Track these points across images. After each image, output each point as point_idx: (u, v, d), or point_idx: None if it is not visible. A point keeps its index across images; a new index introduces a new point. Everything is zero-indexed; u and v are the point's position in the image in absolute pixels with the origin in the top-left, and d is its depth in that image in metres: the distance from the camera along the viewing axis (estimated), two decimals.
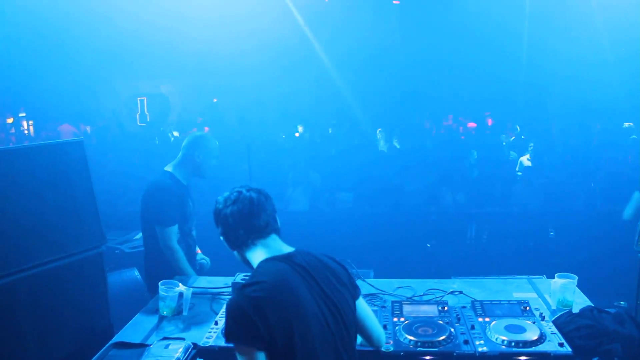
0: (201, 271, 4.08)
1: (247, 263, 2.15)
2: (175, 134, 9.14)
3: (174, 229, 3.74)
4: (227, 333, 1.89)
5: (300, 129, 8.39)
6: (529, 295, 3.16)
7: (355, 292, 2.17)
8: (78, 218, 2.92)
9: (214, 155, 3.92)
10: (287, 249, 2.12)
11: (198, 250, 4.23)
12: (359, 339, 2.26)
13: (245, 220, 2.08)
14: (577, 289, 3.21)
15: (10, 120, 9.01)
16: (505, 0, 6.59)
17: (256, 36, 8.27)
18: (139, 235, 5.30)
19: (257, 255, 2.09)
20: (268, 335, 1.85)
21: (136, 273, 4.50)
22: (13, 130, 8.91)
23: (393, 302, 2.93)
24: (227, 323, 1.89)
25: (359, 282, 3.24)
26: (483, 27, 6.53)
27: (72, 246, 2.88)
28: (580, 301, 3.07)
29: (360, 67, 7.47)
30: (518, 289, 3.27)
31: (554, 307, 3.01)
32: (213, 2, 8.37)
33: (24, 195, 2.71)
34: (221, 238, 2.18)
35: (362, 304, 2.21)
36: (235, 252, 2.19)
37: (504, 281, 3.37)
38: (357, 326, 2.17)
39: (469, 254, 5.60)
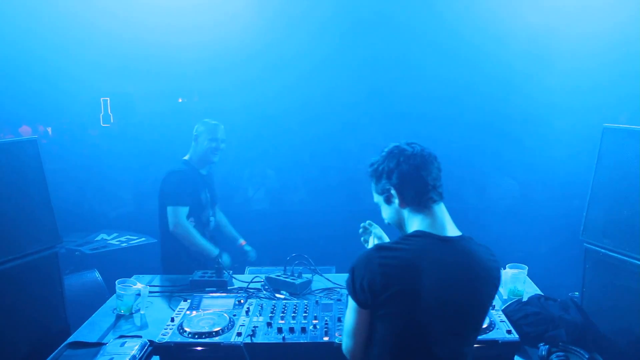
0: (246, 262, 4.25)
1: (401, 224, 1.96)
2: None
3: (184, 210, 3.84)
4: (349, 286, 1.86)
5: None
6: None
7: (491, 301, 1.97)
8: (32, 218, 2.90)
9: (213, 136, 3.98)
10: (453, 231, 1.88)
11: (242, 242, 4.40)
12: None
13: (423, 178, 1.87)
14: (528, 279, 3.32)
15: None
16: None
17: (220, 34, 8.21)
18: (100, 237, 5.27)
19: (416, 222, 1.89)
20: (368, 297, 1.78)
21: (97, 274, 4.46)
22: None
23: (347, 294, 2.97)
24: (348, 273, 1.85)
25: (316, 278, 3.32)
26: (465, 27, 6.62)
27: (26, 246, 2.86)
28: (530, 291, 3.19)
29: (325, 64, 7.46)
30: None
31: (505, 297, 3.11)
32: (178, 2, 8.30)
33: None
34: (382, 197, 1.97)
35: None
36: (391, 212, 1.97)
37: None
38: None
39: None
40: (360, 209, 6.48)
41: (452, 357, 1.85)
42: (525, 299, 2.97)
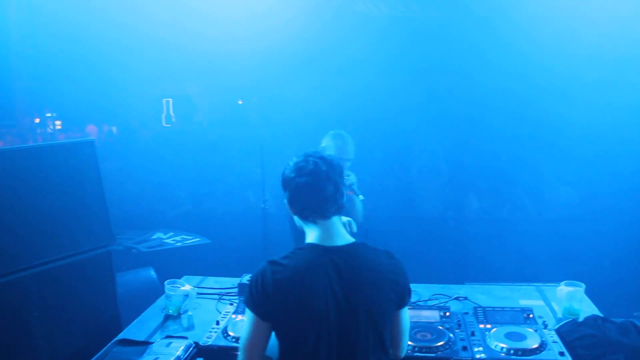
0: None
1: (302, 232, 2.12)
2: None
3: None
4: (245, 297, 2.00)
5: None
6: (536, 303, 3.12)
7: (402, 301, 2.09)
8: (87, 217, 3.00)
9: (334, 151, 3.71)
10: (341, 240, 2.02)
11: None
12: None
13: (311, 195, 2.02)
14: (585, 297, 3.16)
15: (37, 121, 9.22)
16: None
17: (279, 35, 8.27)
18: (156, 235, 5.41)
19: (310, 235, 2.06)
20: (266, 309, 1.93)
21: (152, 272, 4.57)
22: (39, 131, 9.12)
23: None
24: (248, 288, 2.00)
25: None
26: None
27: (80, 244, 2.96)
28: (588, 310, 3.02)
29: (380, 67, 7.41)
30: (525, 296, 3.23)
31: (559, 316, 2.97)
32: (237, 2, 8.42)
33: (34, 193, 2.80)
34: (285, 201, 2.12)
35: (403, 314, 2.13)
36: (295, 217, 2.14)
37: (511, 288, 3.34)
38: (391, 334, 2.09)
39: (487, 260, 5.53)
40: (415, 215, 6.46)
41: None
42: (581, 318, 2.83)
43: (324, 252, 1.97)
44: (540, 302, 3.14)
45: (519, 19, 6.30)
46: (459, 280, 3.73)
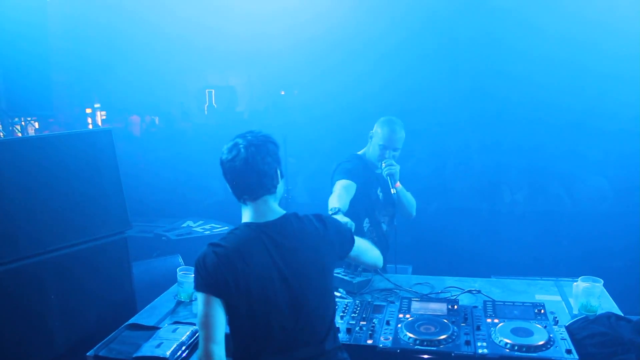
0: None
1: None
2: None
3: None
4: (194, 282, 2.08)
5: None
6: (552, 298, 3.03)
7: (343, 250, 2.32)
8: (104, 204, 3.08)
9: (384, 143, 3.52)
10: (272, 214, 2.14)
11: None
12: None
13: (236, 179, 2.11)
14: (606, 294, 3.05)
15: (89, 111, 9.57)
16: None
17: (321, 30, 8.29)
18: (186, 223, 5.51)
19: (244, 215, 2.17)
20: (216, 286, 2.00)
21: (180, 260, 4.66)
22: (90, 120, 9.46)
23: (402, 298, 2.89)
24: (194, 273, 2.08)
25: (377, 277, 3.24)
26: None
27: (97, 230, 3.04)
28: (607, 307, 2.91)
29: (416, 61, 7.33)
30: (542, 291, 3.14)
31: (575, 312, 2.88)
32: None
33: (53, 180, 2.89)
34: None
35: (355, 250, 2.37)
36: None
37: (528, 282, 3.25)
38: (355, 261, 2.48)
39: (520, 253, 5.41)
40: (446, 207, 6.37)
41: (307, 330, 2.12)
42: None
43: (258, 228, 2.10)
44: (557, 298, 3.05)
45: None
46: (487, 273, 3.66)
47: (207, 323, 1.99)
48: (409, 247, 5.20)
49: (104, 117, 9.80)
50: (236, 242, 2.06)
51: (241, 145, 2.08)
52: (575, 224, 5.81)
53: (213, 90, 11.20)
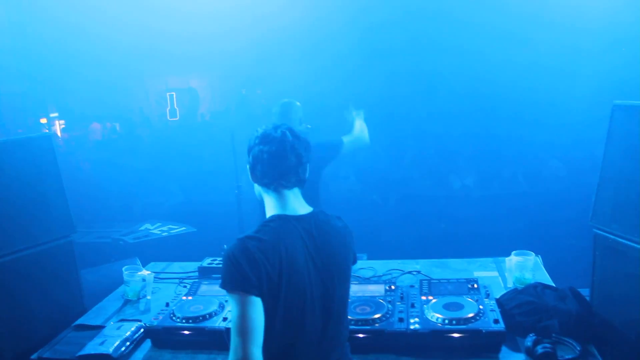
0: None
1: (261, 202, 2.14)
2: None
3: None
4: (222, 280, 1.87)
5: None
6: (490, 274, 3.16)
7: (354, 260, 2.24)
8: (47, 209, 3.07)
9: (280, 118, 3.93)
10: (304, 209, 2.08)
11: None
12: None
13: (275, 160, 2.02)
14: (542, 268, 3.19)
15: (44, 121, 9.44)
16: None
17: (279, 22, 8.34)
18: (144, 226, 5.54)
19: (273, 207, 2.06)
20: (258, 284, 1.83)
21: (138, 262, 4.69)
22: (46, 130, 9.34)
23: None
24: (222, 270, 1.89)
25: None
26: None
27: (41, 235, 3.04)
28: (541, 279, 3.03)
29: (375, 56, 7.46)
30: (481, 268, 3.27)
31: (510, 285, 3.00)
32: None
33: None
34: (247, 166, 2.11)
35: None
36: (255, 185, 2.15)
37: (468, 261, 3.37)
38: None
39: (471, 236, 5.54)
40: (405, 196, 6.49)
41: (333, 327, 2.05)
42: None
43: (294, 221, 2.01)
44: (494, 274, 3.18)
45: None
46: (443, 256, 3.75)
47: (247, 327, 1.79)
48: (367, 236, 5.31)
49: (63, 126, 9.70)
50: (275, 234, 1.94)
51: (284, 131, 2.02)
52: (531, 205, 5.97)
53: (174, 93, 11.17)
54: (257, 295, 1.82)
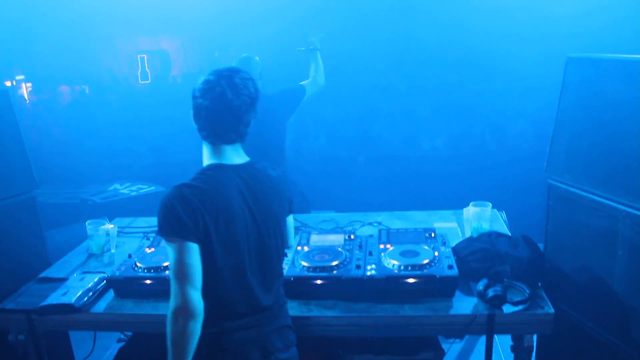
0: None
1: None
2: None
3: None
4: (159, 227, 1.89)
5: None
6: (449, 225, 3.23)
7: (290, 208, 2.29)
8: (7, 165, 3.05)
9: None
10: (240, 159, 2.08)
11: None
12: None
13: (211, 121, 1.99)
14: (498, 217, 3.27)
15: (8, 84, 9.20)
16: None
17: None
18: (113, 187, 5.53)
19: (208, 154, 2.06)
20: (195, 230, 1.86)
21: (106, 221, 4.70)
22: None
23: (302, 232, 3.02)
24: (158, 217, 1.89)
25: None
26: None
27: (2, 191, 3.03)
28: (498, 229, 3.10)
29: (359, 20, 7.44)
30: (441, 219, 3.35)
31: (467, 235, 3.07)
32: None
33: None
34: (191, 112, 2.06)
35: (289, 217, 2.32)
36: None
37: (429, 213, 3.44)
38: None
39: (430, 192, 5.64)
40: (375, 155, 6.55)
41: (269, 266, 2.11)
42: None
43: (231, 170, 2.02)
44: (454, 224, 3.25)
45: None
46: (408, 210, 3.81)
47: (186, 273, 1.83)
48: (336, 194, 5.36)
49: (30, 89, 9.50)
50: (212, 182, 1.95)
51: (225, 86, 1.95)
52: (497, 163, 6.06)
53: (145, 56, 10.99)
54: (194, 242, 1.86)
